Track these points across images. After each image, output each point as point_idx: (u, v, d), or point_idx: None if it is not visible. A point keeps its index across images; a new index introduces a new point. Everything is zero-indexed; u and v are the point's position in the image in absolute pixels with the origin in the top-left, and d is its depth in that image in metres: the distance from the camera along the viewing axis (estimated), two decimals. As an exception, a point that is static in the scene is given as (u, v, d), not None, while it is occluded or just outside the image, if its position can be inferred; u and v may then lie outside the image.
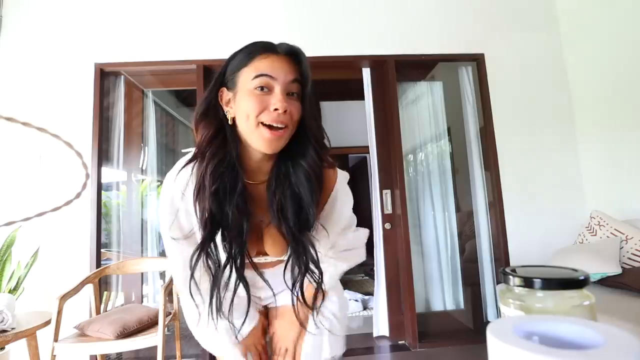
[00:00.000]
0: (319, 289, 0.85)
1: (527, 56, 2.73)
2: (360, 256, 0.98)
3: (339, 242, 0.92)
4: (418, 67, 2.88)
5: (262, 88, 0.71)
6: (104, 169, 2.44)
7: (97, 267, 2.26)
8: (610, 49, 2.44)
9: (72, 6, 2.51)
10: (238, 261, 0.77)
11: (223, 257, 0.78)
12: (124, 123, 2.70)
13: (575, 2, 2.73)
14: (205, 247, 0.76)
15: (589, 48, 2.60)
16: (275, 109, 0.70)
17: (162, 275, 2.87)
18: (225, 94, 0.77)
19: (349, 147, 5.77)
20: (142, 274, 2.74)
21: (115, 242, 2.71)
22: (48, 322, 1.79)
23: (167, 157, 3.66)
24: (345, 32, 2.65)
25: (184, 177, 0.79)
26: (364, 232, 1.00)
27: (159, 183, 3.16)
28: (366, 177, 5.26)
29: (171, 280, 1.87)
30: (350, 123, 5.62)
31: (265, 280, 0.85)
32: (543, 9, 2.82)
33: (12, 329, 1.70)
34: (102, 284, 2.24)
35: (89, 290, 1.98)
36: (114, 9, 2.54)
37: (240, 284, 0.79)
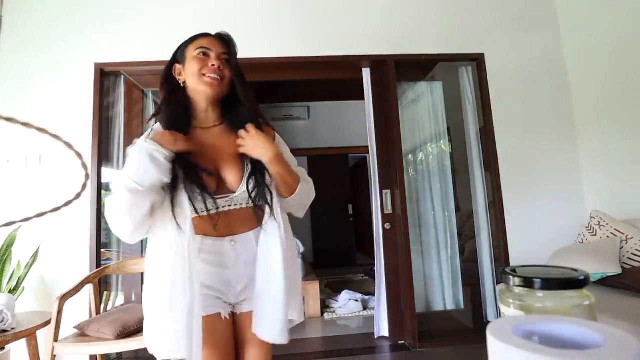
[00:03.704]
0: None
1: (527, 56, 2.73)
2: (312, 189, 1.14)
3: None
4: (418, 67, 2.88)
5: (203, 54, 1.04)
6: (104, 169, 2.44)
7: (97, 267, 2.26)
8: (610, 48, 2.44)
9: (72, 6, 2.51)
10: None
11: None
12: (124, 123, 2.70)
13: (575, 2, 2.73)
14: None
15: (589, 48, 2.60)
16: (212, 65, 1.02)
17: (162, 275, 2.87)
18: (177, 68, 1.09)
19: (349, 147, 5.78)
20: (142, 274, 2.73)
21: (115, 242, 2.71)
22: (48, 322, 1.79)
23: (167, 157, 3.66)
24: (345, 32, 2.65)
25: (150, 126, 1.06)
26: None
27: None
28: (366, 177, 5.26)
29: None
30: (350, 123, 5.62)
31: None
32: (543, 9, 2.81)
33: (12, 329, 1.71)
34: (102, 284, 2.24)
35: (89, 290, 1.98)
36: (114, 9, 2.54)
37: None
